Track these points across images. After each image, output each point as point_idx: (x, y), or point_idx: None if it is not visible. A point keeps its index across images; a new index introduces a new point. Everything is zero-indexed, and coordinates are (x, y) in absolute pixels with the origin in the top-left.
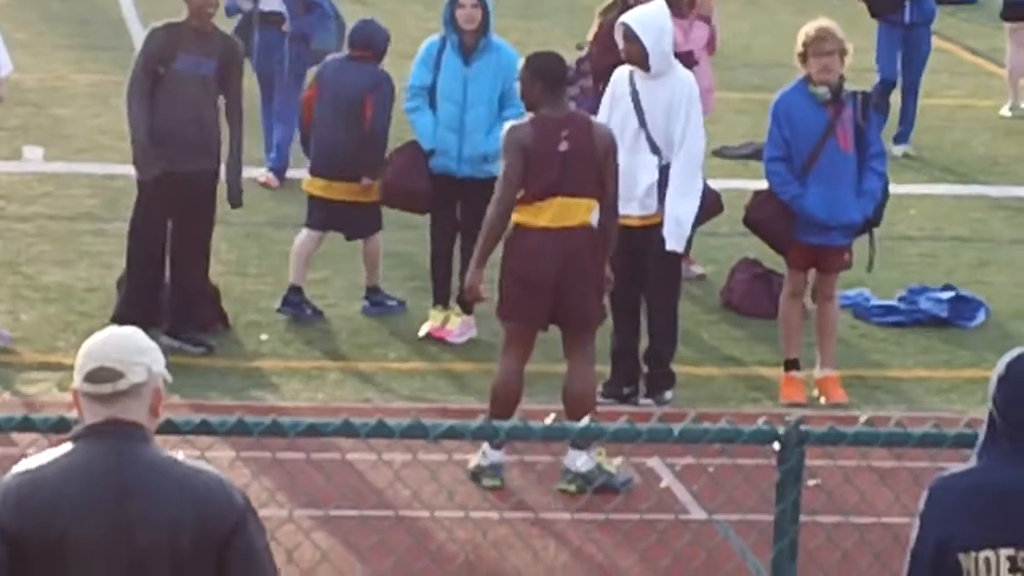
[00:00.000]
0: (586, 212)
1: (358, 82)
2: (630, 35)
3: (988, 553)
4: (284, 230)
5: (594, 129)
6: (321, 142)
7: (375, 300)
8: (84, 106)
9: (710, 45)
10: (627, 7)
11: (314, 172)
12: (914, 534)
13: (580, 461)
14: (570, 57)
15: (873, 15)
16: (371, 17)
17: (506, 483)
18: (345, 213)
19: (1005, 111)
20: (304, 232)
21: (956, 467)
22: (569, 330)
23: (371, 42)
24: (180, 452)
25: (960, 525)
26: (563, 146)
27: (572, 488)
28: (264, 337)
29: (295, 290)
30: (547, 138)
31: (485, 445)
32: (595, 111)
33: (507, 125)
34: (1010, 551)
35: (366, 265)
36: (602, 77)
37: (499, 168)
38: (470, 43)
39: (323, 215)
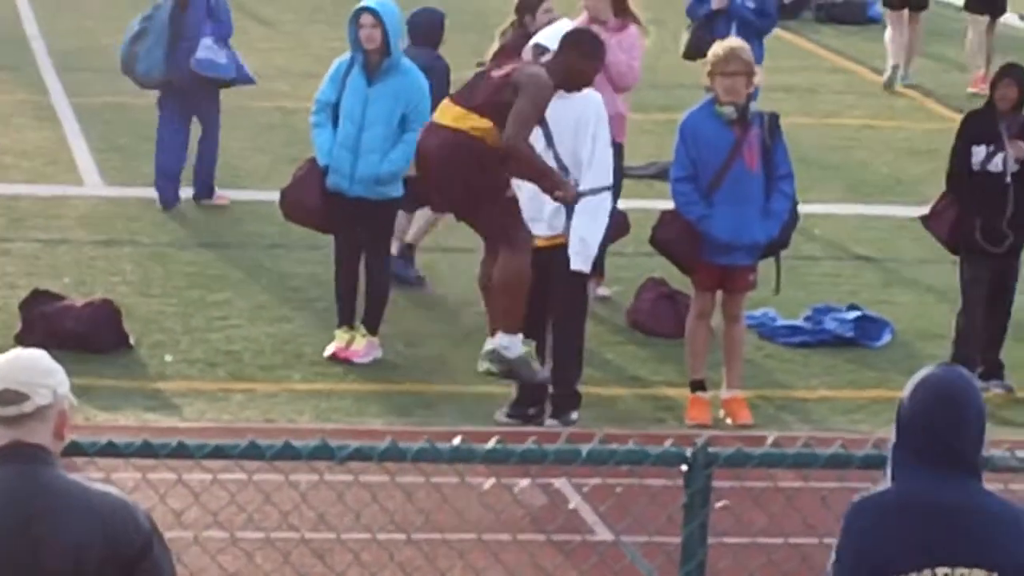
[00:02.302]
0: (458, 116)
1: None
2: (545, 52)
3: (925, 574)
4: (189, 250)
5: (522, 67)
6: None
7: (405, 262)
8: None
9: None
10: (525, 29)
11: None
12: (833, 560)
13: (509, 347)
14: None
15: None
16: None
17: (415, 504)
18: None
19: (897, 80)
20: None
21: (872, 489)
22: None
23: (425, 28)
24: (85, 474)
25: (890, 548)
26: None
27: (492, 368)
28: (168, 358)
29: (409, 247)
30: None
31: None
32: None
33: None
34: (946, 569)
35: (418, 226)
36: None
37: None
38: (373, 63)
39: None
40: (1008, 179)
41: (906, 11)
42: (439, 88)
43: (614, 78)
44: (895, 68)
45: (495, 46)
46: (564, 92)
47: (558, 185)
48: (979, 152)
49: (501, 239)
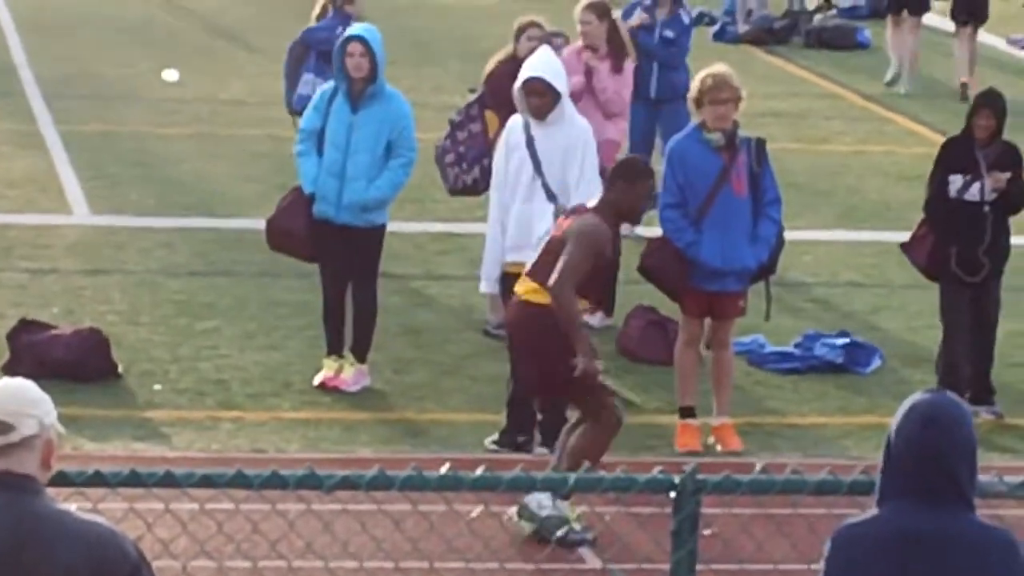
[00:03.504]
0: (534, 292)
1: None
2: (544, 86)
3: None
4: (177, 279)
5: (579, 217)
6: None
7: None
8: None
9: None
10: (517, 60)
11: None
12: None
13: (546, 506)
14: (461, 101)
15: None
16: None
17: (403, 532)
18: None
19: (888, 76)
20: None
21: (859, 516)
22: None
23: None
24: (73, 504)
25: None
26: (557, 231)
27: (526, 527)
28: (157, 387)
29: None
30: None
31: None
32: (483, 155)
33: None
34: None
35: None
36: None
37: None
38: (358, 90)
39: None
40: (986, 208)
41: (906, 16)
42: None
43: (603, 104)
44: (898, 72)
45: (490, 66)
46: (551, 120)
47: (582, 352)
48: (956, 181)
49: (590, 412)
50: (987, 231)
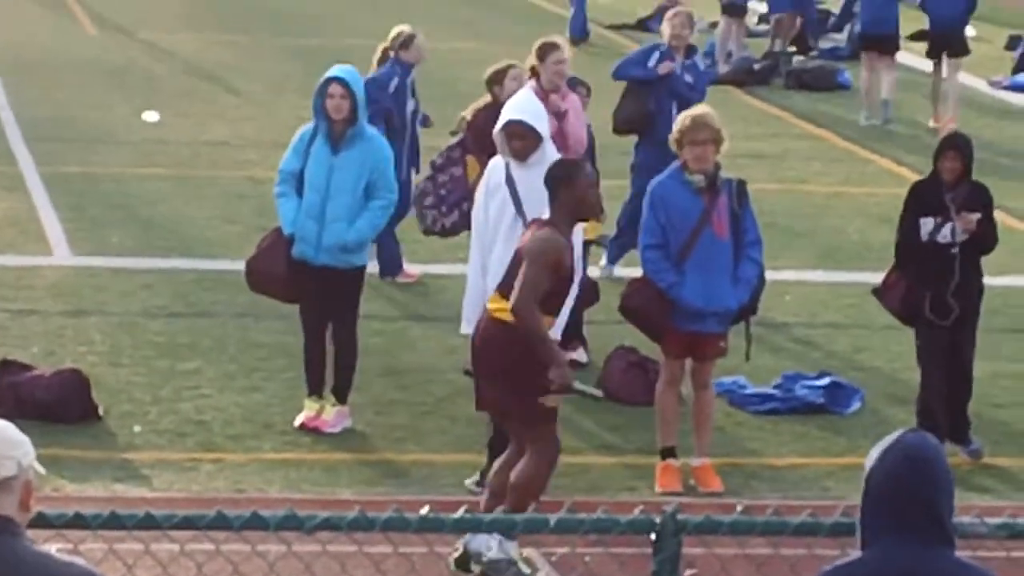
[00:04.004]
0: (501, 310)
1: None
2: (525, 129)
3: None
4: (158, 320)
5: (534, 233)
6: None
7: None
8: None
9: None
10: (496, 100)
11: None
12: None
13: (489, 547)
14: (441, 143)
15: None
16: None
17: (384, 574)
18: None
19: (861, 120)
20: None
21: (843, 559)
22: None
23: None
24: (53, 546)
25: None
26: (518, 245)
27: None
28: (137, 428)
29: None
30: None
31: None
32: (463, 199)
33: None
34: None
35: None
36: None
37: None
38: (339, 132)
39: None
40: (954, 250)
41: (878, 56)
42: None
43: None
44: (870, 105)
45: (470, 112)
46: (532, 161)
47: (555, 364)
48: (927, 224)
49: (528, 438)
50: (956, 273)
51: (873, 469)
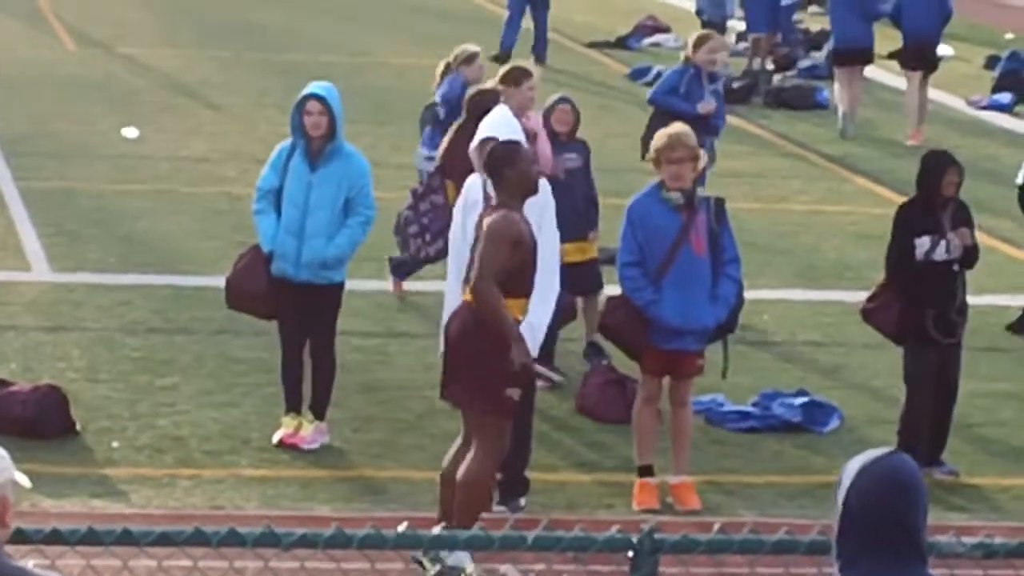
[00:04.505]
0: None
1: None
2: None
3: None
4: (136, 336)
5: (485, 215)
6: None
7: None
8: None
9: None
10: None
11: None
12: None
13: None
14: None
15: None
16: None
17: None
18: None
19: (849, 132)
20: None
21: None
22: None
23: None
24: (31, 561)
25: None
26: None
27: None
28: (115, 444)
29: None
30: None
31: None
32: (446, 227)
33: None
34: None
35: (589, 322)
36: (456, 184)
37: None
38: (317, 148)
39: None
40: (955, 267)
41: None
42: None
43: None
44: (845, 117)
45: (446, 141)
46: None
47: (515, 342)
48: (923, 243)
49: (480, 431)
50: (958, 290)
51: (851, 490)
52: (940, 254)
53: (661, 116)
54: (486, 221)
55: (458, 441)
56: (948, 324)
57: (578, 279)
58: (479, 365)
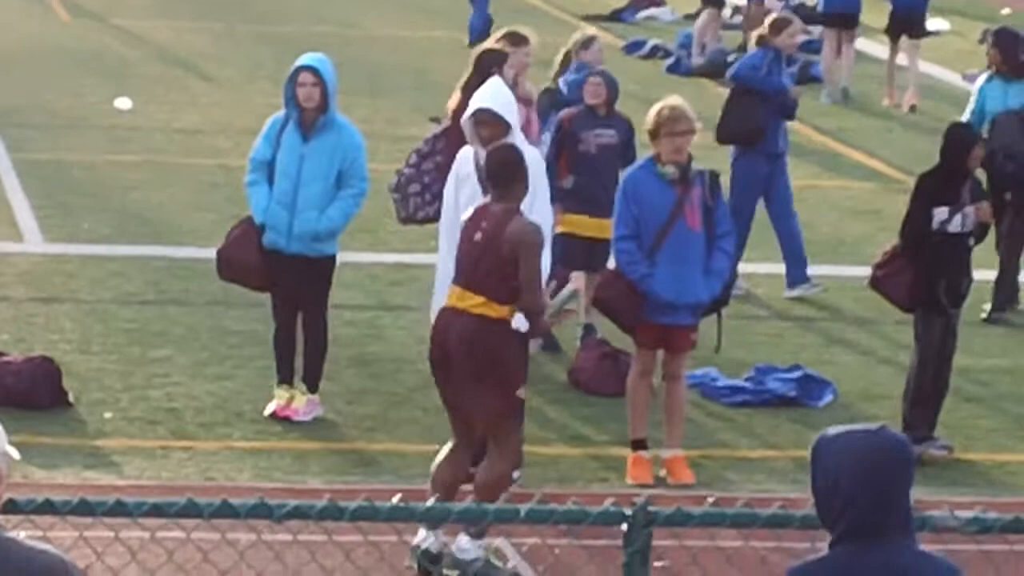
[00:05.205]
0: (484, 306)
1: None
2: (493, 118)
3: None
4: (129, 307)
5: (509, 222)
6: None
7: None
8: None
9: (528, 129)
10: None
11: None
12: None
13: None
14: (426, 132)
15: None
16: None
17: (353, 563)
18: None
19: (823, 99)
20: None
21: (814, 555)
22: (469, 419)
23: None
24: (22, 532)
25: None
26: (478, 235)
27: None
28: (108, 415)
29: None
30: (472, 224)
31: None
32: None
33: None
34: None
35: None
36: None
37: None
38: (309, 120)
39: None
40: (971, 240)
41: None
42: None
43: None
44: (827, 82)
45: (454, 99)
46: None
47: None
48: (941, 213)
49: (497, 434)
50: (970, 261)
51: (841, 466)
52: (955, 226)
53: (740, 98)
54: (519, 229)
55: (449, 445)
56: (957, 295)
57: (591, 255)
58: (489, 374)
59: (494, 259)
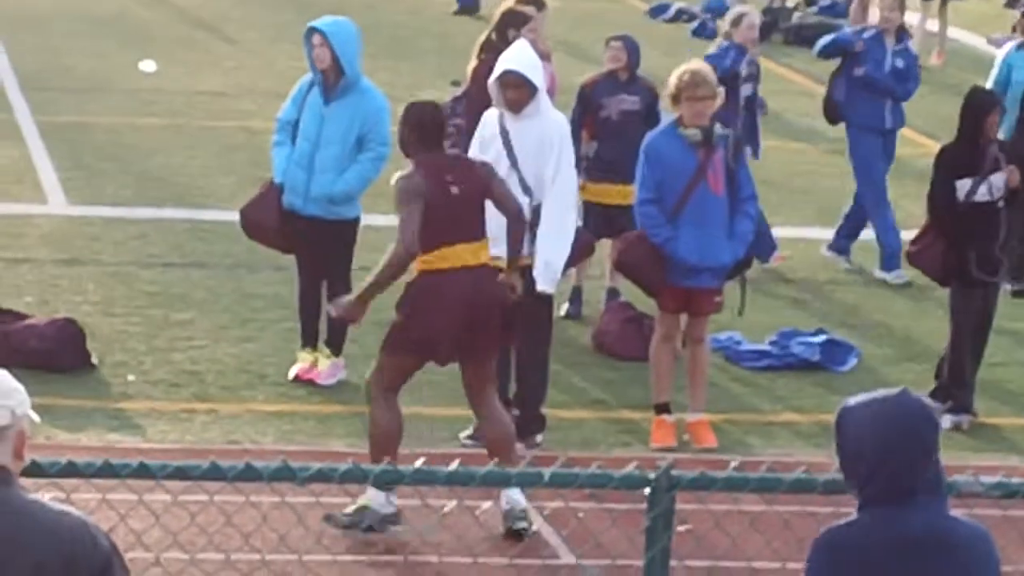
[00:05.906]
0: (485, 254)
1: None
2: (520, 80)
3: None
4: (152, 270)
5: (473, 167)
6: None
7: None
8: None
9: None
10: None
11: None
12: None
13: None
14: (446, 96)
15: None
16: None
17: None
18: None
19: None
20: None
21: (842, 520)
22: (473, 365)
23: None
24: (46, 494)
25: None
26: (454, 189)
27: (525, 525)
28: (131, 378)
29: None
30: (439, 182)
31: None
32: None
33: (394, 177)
34: None
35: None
36: (479, 114)
37: (399, 216)
38: (330, 83)
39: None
40: (1000, 205)
41: None
42: None
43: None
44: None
45: (472, 63)
46: (526, 113)
47: (354, 307)
48: (964, 184)
49: (490, 374)
50: (1001, 228)
51: (865, 433)
52: (982, 195)
53: (842, 74)
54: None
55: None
56: (991, 264)
57: (613, 221)
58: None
59: (478, 202)
